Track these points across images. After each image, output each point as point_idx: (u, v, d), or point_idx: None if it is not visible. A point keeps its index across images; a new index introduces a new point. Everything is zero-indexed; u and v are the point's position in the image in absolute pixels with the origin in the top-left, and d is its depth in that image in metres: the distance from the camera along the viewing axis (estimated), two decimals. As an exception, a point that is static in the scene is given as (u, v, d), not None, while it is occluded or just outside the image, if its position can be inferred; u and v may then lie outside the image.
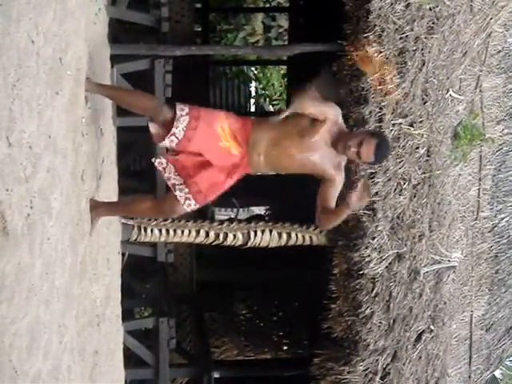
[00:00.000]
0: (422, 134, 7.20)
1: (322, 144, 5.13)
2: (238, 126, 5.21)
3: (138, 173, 10.58)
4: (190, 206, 5.24)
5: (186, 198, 5.19)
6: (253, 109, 18.79)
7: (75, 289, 4.83)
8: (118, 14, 7.33)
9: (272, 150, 5.18)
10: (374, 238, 7.25)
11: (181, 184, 5.21)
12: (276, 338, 11.98)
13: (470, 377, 8.49)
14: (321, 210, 5.25)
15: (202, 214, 8.30)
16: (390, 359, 7.53)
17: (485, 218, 7.84)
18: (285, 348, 11.97)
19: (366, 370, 7.48)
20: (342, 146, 5.07)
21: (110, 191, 6.63)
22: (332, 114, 5.15)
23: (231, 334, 11.71)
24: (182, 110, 5.11)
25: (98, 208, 5.51)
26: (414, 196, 7.32)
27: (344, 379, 7.45)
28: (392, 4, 6.95)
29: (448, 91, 7.26)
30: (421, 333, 7.62)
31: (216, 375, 8.92)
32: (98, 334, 5.82)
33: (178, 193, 5.21)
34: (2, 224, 3.15)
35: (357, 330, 7.42)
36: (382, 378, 7.54)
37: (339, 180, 5.23)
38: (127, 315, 7.90)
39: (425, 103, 7.18)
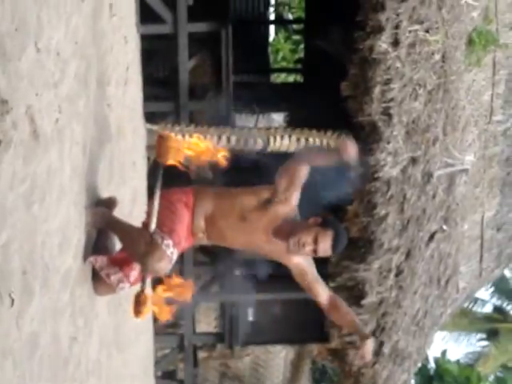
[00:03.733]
0: (438, 40, 7.27)
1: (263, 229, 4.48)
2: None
3: (160, 80, 10.70)
4: (123, 287, 4.66)
5: (119, 281, 4.61)
6: (272, 17, 18.72)
7: (104, 191, 4.96)
8: None
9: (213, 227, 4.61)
10: (389, 143, 7.42)
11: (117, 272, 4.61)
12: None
13: (480, 274, 8.71)
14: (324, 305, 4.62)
15: (224, 121, 8.46)
16: (403, 258, 7.78)
17: (497, 122, 7.92)
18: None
19: (381, 267, 7.75)
20: (295, 243, 4.36)
21: (135, 98, 6.80)
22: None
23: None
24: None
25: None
26: (429, 101, 7.44)
27: (359, 277, 7.73)
28: None
29: (463, -3, 7.32)
30: (434, 233, 7.84)
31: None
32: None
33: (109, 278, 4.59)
34: (32, 127, 3.17)
35: (372, 231, 7.66)
36: (396, 276, 7.81)
37: (298, 262, 4.58)
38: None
39: (440, 9, 7.23)
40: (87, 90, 4.41)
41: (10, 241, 2.88)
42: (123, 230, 4.60)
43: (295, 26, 19.04)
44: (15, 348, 2.92)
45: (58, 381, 3.62)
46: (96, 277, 4.56)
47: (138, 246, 4.37)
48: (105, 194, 4.96)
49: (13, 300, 2.87)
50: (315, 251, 4.35)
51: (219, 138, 7.76)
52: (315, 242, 4.31)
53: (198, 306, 10.25)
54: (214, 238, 4.67)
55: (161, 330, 9.60)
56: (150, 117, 7.76)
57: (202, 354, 11.49)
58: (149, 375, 8.03)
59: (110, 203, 4.85)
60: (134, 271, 4.59)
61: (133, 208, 6.49)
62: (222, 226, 4.57)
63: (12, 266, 2.91)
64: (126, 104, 6.17)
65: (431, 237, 7.81)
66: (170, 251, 4.34)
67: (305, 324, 7.80)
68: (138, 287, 4.50)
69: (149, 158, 7.86)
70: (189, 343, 9.61)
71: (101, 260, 4.53)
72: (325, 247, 4.32)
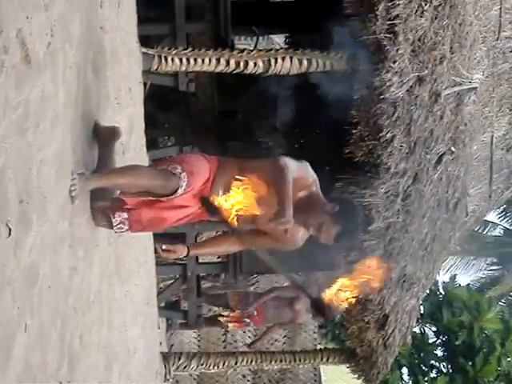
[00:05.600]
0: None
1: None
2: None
3: (155, 1, 10.40)
4: (121, 230, 4.57)
5: (121, 222, 4.52)
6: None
7: (100, 118, 4.84)
8: None
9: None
10: (394, 62, 7.16)
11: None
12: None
13: (490, 196, 8.64)
14: None
15: (222, 43, 8.21)
16: (410, 181, 7.60)
17: (506, 38, 7.75)
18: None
19: (388, 192, 7.56)
20: (302, 222, 4.39)
21: (129, 20, 6.60)
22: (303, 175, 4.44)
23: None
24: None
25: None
26: (435, 17, 7.21)
27: (366, 201, 7.57)
28: None
29: None
30: (441, 155, 7.68)
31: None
32: (123, 162, 5.91)
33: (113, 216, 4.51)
34: (24, 51, 3.11)
35: (378, 154, 7.43)
36: (403, 200, 7.64)
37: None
38: (151, 145, 8.01)
39: None
40: (79, 12, 4.30)
41: (4, 169, 2.83)
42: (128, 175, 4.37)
43: None
44: (14, 278, 2.88)
45: (58, 312, 3.59)
46: (97, 207, 4.43)
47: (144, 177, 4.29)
48: (101, 121, 4.84)
49: (10, 229, 2.83)
50: (318, 236, 4.39)
51: (218, 61, 7.53)
52: (319, 229, 4.34)
53: (201, 235, 10.19)
54: None
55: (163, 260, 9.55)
56: (146, 40, 7.52)
57: (205, 285, 11.44)
58: (152, 305, 8.00)
59: (111, 134, 4.70)
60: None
61: (130, 136, 6.36)
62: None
63: (8, 195, 2.86)
64: (119, 27, 5.99)
65: (439, 159, 7.65)
66: (178, 172, 4.28)
67: (309, 254, 7.71)
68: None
69: (145, 84, 7.66)
70: (192, 273, 9.54)
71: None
72: (327, 238, 4.36)
